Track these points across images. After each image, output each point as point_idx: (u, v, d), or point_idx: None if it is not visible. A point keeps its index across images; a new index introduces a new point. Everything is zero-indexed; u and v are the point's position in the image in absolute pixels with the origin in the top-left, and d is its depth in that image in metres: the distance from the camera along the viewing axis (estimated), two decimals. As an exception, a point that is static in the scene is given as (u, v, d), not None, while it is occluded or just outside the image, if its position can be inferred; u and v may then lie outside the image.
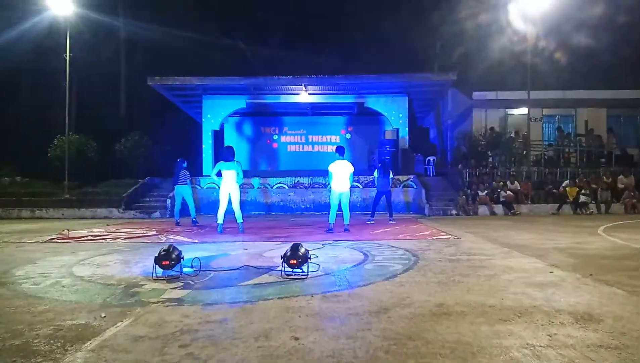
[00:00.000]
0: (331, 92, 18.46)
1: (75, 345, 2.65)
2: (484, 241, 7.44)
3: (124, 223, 11.81)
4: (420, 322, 3.02)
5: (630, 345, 2.57)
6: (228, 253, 6.27)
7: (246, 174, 11.07)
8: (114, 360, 2.42)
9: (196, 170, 17.17)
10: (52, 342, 2.71)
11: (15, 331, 2.92)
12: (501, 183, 15.06)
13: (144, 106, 23.05)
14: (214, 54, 26.02)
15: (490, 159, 17.61)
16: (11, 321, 3.14)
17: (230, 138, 20.66)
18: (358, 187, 15.41)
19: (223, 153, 9.32)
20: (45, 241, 7.80)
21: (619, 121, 20.06)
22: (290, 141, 20.96)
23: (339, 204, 9.06)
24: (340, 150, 9.29)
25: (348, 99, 18.85)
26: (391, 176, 11.81)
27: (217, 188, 15.75)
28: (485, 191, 14.63)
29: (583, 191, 14.39)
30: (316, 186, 16.07)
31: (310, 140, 20.88)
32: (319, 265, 4.94)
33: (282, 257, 4.58)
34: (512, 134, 18.22)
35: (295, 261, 4.47)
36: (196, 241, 7.88)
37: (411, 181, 15.95)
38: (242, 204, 9.38)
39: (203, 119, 18.95)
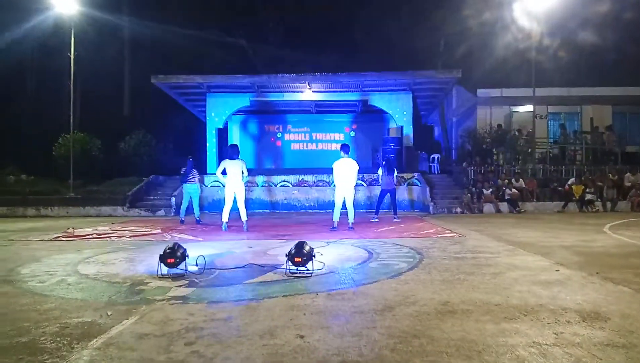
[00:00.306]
0: (335, 90, 18.43)
1: (81, 342, 2.66)
2: (489, 239, 7.42)
3: (129, 221, 11.85)
4: (425, 320, 3.01)
5: (637, 344, 2.55)
6: (233, 251, 6.28)
7: (250, 172, 11.07)
8: (119, 358, 2.43)
9: (200, 168, 17.16)
10: (58, 339, 2.72)
11: (22, 329, 2.93)
12: (506, 180, 15.01)
13: (148, 105, 23.10)
14: (218, 53, 26.04)
15: (495, 157, 17.54)
16: (18, 319, 3.16)
17: (234, 136, 20.69)
18: (362, 185, 15.38)
19: (228, 151, 9.31)
20: (50, 239, 7.84)
21: (624, 118, 19.94)
22: (294, 139, 20.96)
23: (344, 203, 9.04)
24: (345, 148, 9.27)
25: (352, 96, 18.82)
26: (395, 174, 11.78)
27: (221, 186, 15.82)
28: (490, 189, 14.59)
29: (588, 189, 14.32)
30: (320, 184, 16.06)
31: (314, 138, 20.87)
32: (324, 263, 4.93)
33: (286, 255, 4.58)
34: (517, 132, 18.13)
35: (299, 259, 4.47)
36: (201, 239, 7.90)
37: (415, 179, 15.91)
38: (246, 202, 9.37)
39: (207, 118, 18.97)
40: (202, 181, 12.12)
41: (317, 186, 16.06)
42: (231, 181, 8.94)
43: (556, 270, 4.67)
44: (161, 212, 14.50)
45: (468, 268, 4.84)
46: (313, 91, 18.28)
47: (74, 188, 15.87)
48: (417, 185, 15.71)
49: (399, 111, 18.38)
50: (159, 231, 9.17)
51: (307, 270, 4.53)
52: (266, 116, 21.00)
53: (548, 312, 3.18)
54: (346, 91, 18.51)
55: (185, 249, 4.68)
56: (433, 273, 4.56)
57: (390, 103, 18.43)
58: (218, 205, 15.47)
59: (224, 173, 9.03)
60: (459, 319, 3.03)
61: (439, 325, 2.91)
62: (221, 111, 18.80)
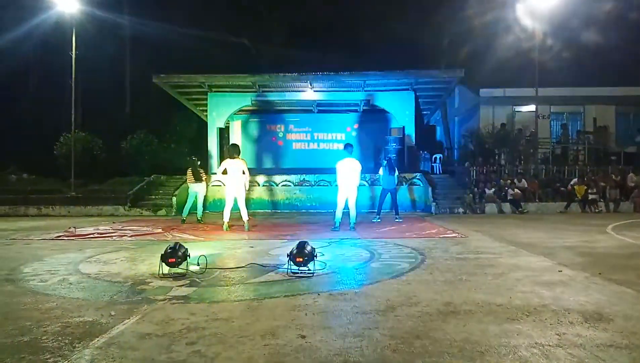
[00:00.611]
0: (337, 89, 18.40)
1: (82, 342, 2.66)
2: (491, 239, 7.40)
3: (130, 221, 11.86)
4: (427, 321, 3.01)
5: (641, 345, 2.54)
6: (234, 251, 6.28)
7: (251, 172, 11.04)
8: (121, 358, 2.43)
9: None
10: (60, 338, 2.72)
11: (24, 328, 2.93)
12: (509, 181, 14.97)
13: (150, 104, 23.11)
14: (220, 52, 26.01)
15: (497, 157, 17.50)
16: (20, 318, 3.16)
17: (236, 136, 20.65)
18: (364, 185, 15.36)
19: (228, 151, 9.30)
20: (52, 239, 7.85)
21: (628, 118, 19.87)
22: (295, 138, 20.91)
23: (346, 203, 9.03)
24: (348, 148, 9.25)
25: (354, 96, 18.78)
26: (396, 173, 11.77)
27: (222, 185, 15.80)
28: (493, 189, 14.56)
29: (591, 190, 14.28)
30: (322, 183, 16.04)
31: (315, 138, 20.82)
32: (326, 263, 4.93)
33: (288, 255, 4.57)
34: (519, 132, 18.08)
35: (301, 259, 4.46)
36: (202, 239, 7.90)
37: (417, 179, 15.88)
38: (247, 202, 9.37)
39: (208, 117, 18.95)
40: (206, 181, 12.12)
41: (318, 185, 16.04)
42: (231, 180, 8.92)
43: (559, 271, 4.65)
44: (162, 211, 14.50)
45: (470, 268, 4.83)
46: (315, 91, 18.26)
47: (75, 187, 15.88)
48: (419, 185, 15.68)
49: (401, 111, 18.33)
50: (160, 230, 9.18)
51: (309, 270, 4.52)
52: (268, 115, 20.97)
53: (551, 313, 3.17)
54: (348, 91, 18.48)
55: (187, 248, 4.68)
56: (435, 274, 4.55)
57: (392, 103, 18.38)
58: (219, 205, 15.51)
59: (224, 172, 9.02)
60: (462, 320, 3.02)
61: (442, 325, 2.90)
62: (223, 110, 18.77)
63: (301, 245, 4.60)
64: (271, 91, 18.58)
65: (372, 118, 20.45)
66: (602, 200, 14.38)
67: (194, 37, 24.74)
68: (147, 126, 19.87)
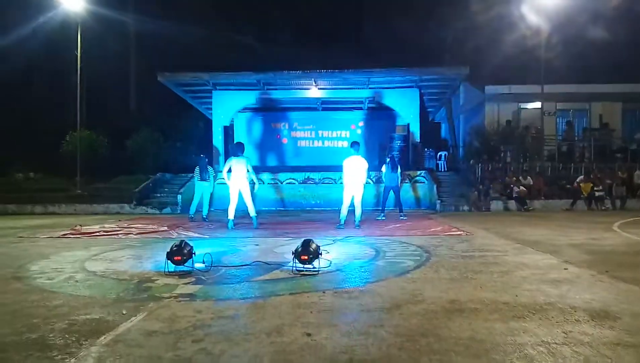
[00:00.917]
0: (341, 87, 18.38)
1: (89, 339, 2.67)
2: (496, 237, 7.38)
3: (136, 219, 11.91)
4: (433, 319, 3.00)
5: (648, 343, 2.53)
6: (239, 249, 6.29)
7: (256, 169, 11.06)
8: (127, 355, 2.44)
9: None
10: (67, 336, 2.74)
11: (32, 325, 2.95)
12: (514, 178, 14.92)
13: (155, 102, 23.18)
14: (225, 50, 26.04)
15: (502, 155, 17.42)
16: (27, 315, 3.18)
17: (240, 134, 20.69)
18: (369, 183, 15.34)
19: (233, 149, 9.34)
20: (58, 237, 7.89)
21: (634, 115, 19.72)
22: (300, 136, 20.92)
23: (351, 201, 9.03)
24: (355, 145, 9.25)
25: (358, 94, 18.76)
26: (399, 171, 11.76)
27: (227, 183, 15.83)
28: (498, 187, 14.51)
29: (596, 187, 14.20)
30: (326, 181, 16.04)
31: (320, 135, 20.83)
32: (330, 261, 4.93)
33: (293, 253, 4.57)
34: (525, 129, 17.98)
35: (306, 257, 4.47)
36: (207, 236, 7.92)
37: (422, 176, 15.84)
38: (252, 199, 9.38)
39: (213, 115, 19.00)
40: (215, 178, 12.15)
41: (323, 183, 16.04)
42: (236, 178, 8.96)
43: (565, 269, 4.63)
44: (168, 209, 14.55)
45: (476, 266, 4.82)
46: (319, 88, 18.24)
47: (81, 185, 15.97)
48: (424, 183, 15.65)
49: (405, 108, 18.30)
50: (165, 228, 9.21)
51: (314, 267, 4.52)
52: (272, 113, 20.98)
53: (557, 311, 3.15)
54: (352, 88, 18.45)
55: (192, 246, 4.69)
56: (441, 272, 4.54)
57: (397, 100, 18.35)
58: (223, 202, 15.51)
59: (230, 171, 9.05)
60: (467, 318, 3.02)
61: (447, 323, 2.90)
62: (227, 108, 18.81)
63: (306, 243, 4.60)
64: (276, 89, 18.60)
65: (377, 116, 20.43)
66: (608, 197, 14.30)
67: (199, 36, 24.79)
68: (153, 124, 19.93)
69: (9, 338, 2.73)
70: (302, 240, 4.73)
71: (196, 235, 8.14)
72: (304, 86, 18.25)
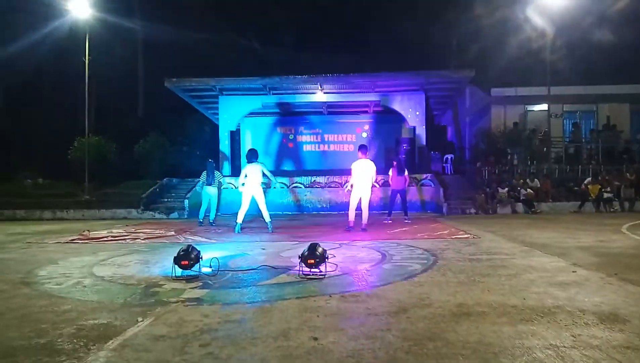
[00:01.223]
0: (347, 91, 18.40)
1: (97, 344, 2.69)
2: (504, 240, 7.34)
3: (143, 224, 11.96)
4: (440, 323, 2.99)
5: (658, 347, 2.50)
6: (246, 253, 6.30)
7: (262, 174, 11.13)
8: (135, 360, 2.45)
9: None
10: (75, 340, 2.75)
11: (40, 330, 2.97)
12: (521, 181, 14.83)
13: (162, 108, 23.34)
14: (231, 55, 26.20)
15: (509, 157, 17.34)
16: (36, 320, 3.20)
17: (247, 138, 20.78)
18: (375, 186, 15.32)
19: (247, 156, 9.43)
20: (66, 242, 7.94)
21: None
22: (306, 140, 20.95)
23: (358, 204, 9.04)
24: (362, 149, 9.28)
25: (364, 97, 18.76)
26: (406, 174, 11.76)
27: (234, 188, 15.89)
28: (506, 189, 14.44)
29: (604, 189, 14.09)
30: (332, 185, 16.03)
31: (326, 139, 20.84)
32: (337, 265, 4.92)
33: (299, 257, 4.57)
34: (532, 132, 17.89)
35: (312, 261, 4.46)
36: (214, 241, 7.94)
37: (428, 179, 15.80)
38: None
39: (219, 120, 19.08)
40: (220, 184, 12.21)
41: (329, 187, 16.04)
42: (250, 184, 9.02)
43: (573, 271, 4.60)
44: (175, 214, 14.59)
45: (483, 269, 4.79)
46: (325, 92, 18.27)
47: (89, 190, 16.09)
48: (430, 186, 15.60)
49: (411, 112, 18.27)
50: (172, 233, 9.25)
51: (320, 271, 4.52)
52: (278, 117, 21.05)
53: (565, 314, 3.13)
54: (358, 92, 18.46)
55: (199, 251, 4.71)
56: (448, 275, 4.52)
57: (402, 104, 18.34)
58: (231, 207, 15.57)
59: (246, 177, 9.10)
60: (475, 321, 3.00)
61: (455, 327, 2.89)
62: (233, 113, 18.88)
63: (312, 247, 4.60)
64: (281, 94, 18.65)
65: (383, 119, 20.42)
66: (616, 199, 14.18)
67: (205, 41, 24.95)
68: (160, 130, 20.05)
69: (17, 342, 2.75)
70: (309, 243, 4.74)
71: (203, 239, 8.16)
72: (310, 90, 18.29)
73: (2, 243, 7.96)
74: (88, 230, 9.35)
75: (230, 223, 9.89)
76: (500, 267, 4.89)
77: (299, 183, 16.24)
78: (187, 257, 4.51)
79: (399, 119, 19.33)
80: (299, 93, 18.55)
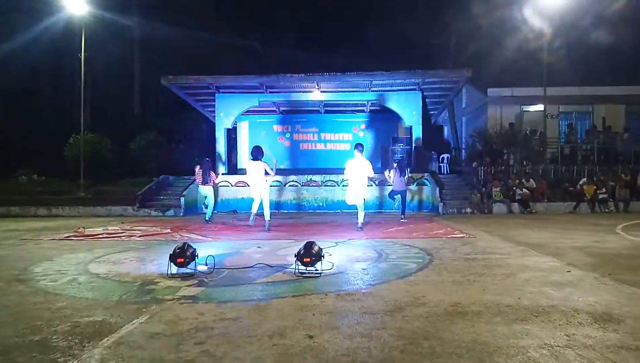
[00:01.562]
0: (344, 89, 18.39)
1: (92, 341, 2.68)
2: (499, 239, 7.36)
3: (139, 221, 11.93)
4: (435, 322, 3.00)
5: (651, 347, 2.52)
6: (242, 251, 6.29)
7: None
8: (130, 357, 2.44)
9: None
10: (70, 338, 2.75)
11: (35, 327, 2.96)
12: (517, 181, 14.88)
13: (158, 105, 23.28)
14: (228, 53, 26.14)
15: (505, 157, 17.38)
16: (31, 317, 3.20)
17: (243, 137, 20.75)
18: (371, 185, 15.33)
19: (252, 152, 9.49)
20: (61, 239, 7.91)
21: (638, 118, 19.63)
22: (302, 139, 20.94)
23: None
24: (359, 147, 9.23)
25: (361, 96, 18.76)
26: (407, 175, 11.78)
27: (230, 186, 15.89)
28: (499, 188, 14.49)
29: (599, 190, 14.14)
30: (329, 184, 16.03)
31: (322, 138, 20.84)
32: (333, 263, 4.93)
33: (295, 255, 4.57)
34: (528, 132, 17.94)
35: (308, 260, 4.47)
36: (210, 239, 7.93)
37: (425, 179, 15.83)
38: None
39: (216, 118, 19.02)
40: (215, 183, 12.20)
41: (325, 186, 16.04)
42: (253, 181, 9.25)
43: (568, 271, 4.62)
44: (171, 212, 14.56)
45: (479, 269, 4.81)
46: (322, 91, 18.25)
47: (84, 188, 16.02)
48: (427, 185, 15.63)
49: (408, 111, 18.27)
50: (168, 230, 9.23)
51: (316, 270, 4.52)
52: (275, 116, 21.03)
53: (560, 314, 3.14)
54: (355, 91, 18.45)
55: (195, 248, 4.71)
56: (443, 274, 4.53)
57: (399, 103, 18.34)
58: (227, 205, 15.59)
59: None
60: (470, 320, 3.01)
61: (450, 326, 2.90)
62: (230, 111, 18.83)
63: (308, 245, 4.60)
64: (278, 92, 18.62)
65: (379, 118, 20.44)
66: (611, 200, 14.25)
67: (202, 39, 24.87)
68: (156, 127, 19.99)
69: (12, 339, 2.74)
70: (305, 242, 4.74)
71: (199, 237, 8.15)
72: (307, 89, 18.26)
73: (-3, 240, 7.93)
74: (83, 227, 9.32)
75: (226, 220, 9.88)
76: (495, 267, 4.91)
77: (295, 181, 16.23)
78: (183, 255, 4.51)
79: (396, 118, 19.33)
80: (296, 92, 18.53)
